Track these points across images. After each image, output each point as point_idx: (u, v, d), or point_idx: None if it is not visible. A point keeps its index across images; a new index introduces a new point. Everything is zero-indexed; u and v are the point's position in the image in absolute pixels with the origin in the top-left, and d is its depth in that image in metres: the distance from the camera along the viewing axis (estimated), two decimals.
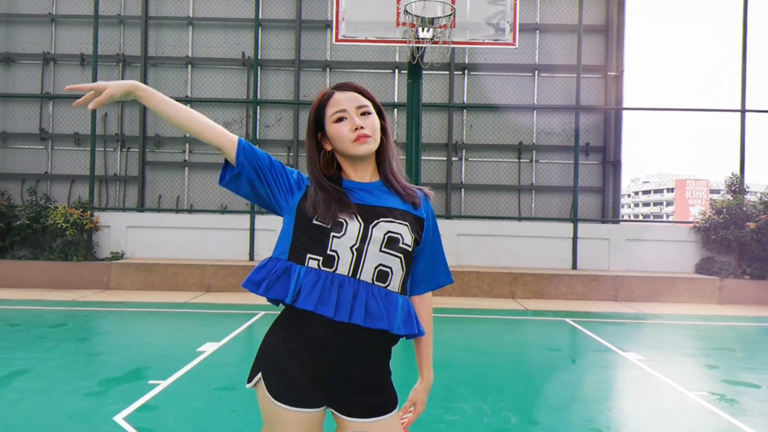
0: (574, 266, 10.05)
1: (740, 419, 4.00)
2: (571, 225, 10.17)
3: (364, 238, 1.58)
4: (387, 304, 1.58)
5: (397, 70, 11.17)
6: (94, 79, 10.42)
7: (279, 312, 1.70)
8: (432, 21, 6.47)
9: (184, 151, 11.38)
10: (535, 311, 8.20)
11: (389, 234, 1.61)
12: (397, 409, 1.69)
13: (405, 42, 6.72)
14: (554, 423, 3.80)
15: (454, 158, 11.21)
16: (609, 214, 11.09)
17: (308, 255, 1.58)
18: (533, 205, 11.25)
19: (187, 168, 11.35)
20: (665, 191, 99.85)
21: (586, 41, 10.98)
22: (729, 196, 10.08)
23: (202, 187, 11.31)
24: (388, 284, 1.60)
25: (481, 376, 4.94)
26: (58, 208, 9.76)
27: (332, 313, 1.53)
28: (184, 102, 11.22)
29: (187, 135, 11.22)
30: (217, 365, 5.16)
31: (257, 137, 10.64)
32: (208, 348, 5.68)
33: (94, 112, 10.51)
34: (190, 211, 11.06)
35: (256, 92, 10.57)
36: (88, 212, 9.88)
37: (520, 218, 10.99)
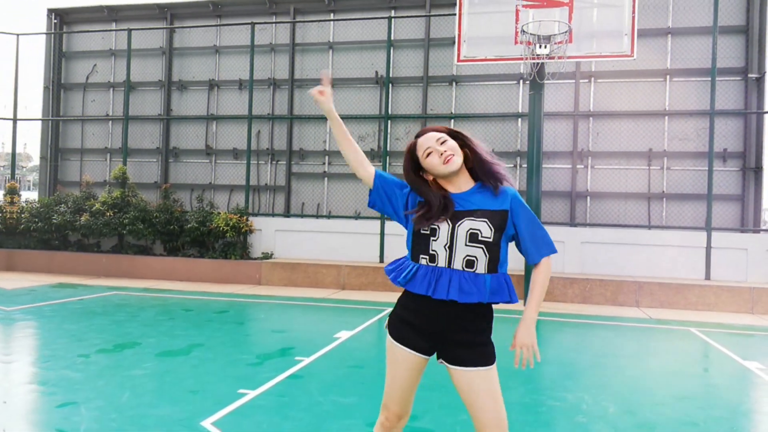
0: (707, 276, 9.68)
1: None
2: (704, 234, 9.82)
3: (452, 237, 2.18)
4: (476, 283, 2.15)
5: (521, 81, 11.48)
6: (251, 102, 11.95)
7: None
8: (548, 38, 6.83)
9: (324, 163, 12.57)
10: (659, 320, 8.13)
11: (470, 231, 2.17)
12: (489, 366, 2.21)
13: (523, 59, 7.14)
14: (651, 415, 4.07)
15: (579, 166, 11.26)
16: (749, 223, 10.49)
17: (420, 255, 2.24)
18: (664, 214, 10.95)
19: (326, 178, 12.53)
20: None
21: (724, 43, 10.53)
22: None
23: (340, 195, 12.42)
24: (476, 269, 2.17)
25: (589, 373, 5.25)
26: (220, 213, 11.34)
27: (433, 293, 2.17)
28: (325, 119, 12.43)
29: (327, 149, 12.42)
30: (351, 349, 5.95)
31: (387, 149, 11.50)
32: (343, 335, 6.51)
33: (250, 131, 12.03)
34: (329, 216, 12.19)
35: (388, 108, 11.46)
36: (244, 217, 11.35)
37: (650, 227, 10.77)
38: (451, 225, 2.19)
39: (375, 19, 11.94)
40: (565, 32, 6.80)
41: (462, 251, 2.17)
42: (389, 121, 11.61)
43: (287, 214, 12.46)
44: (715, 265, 9.72)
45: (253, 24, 12.10)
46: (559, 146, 11.27)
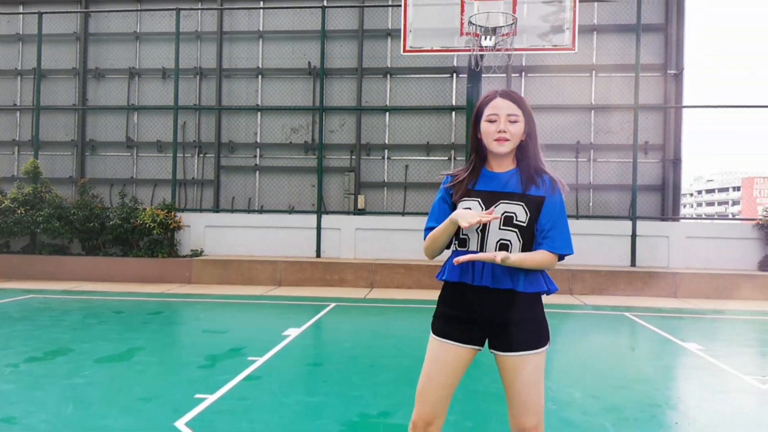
0: (633, 263, 10.22)
1: None
2: (629, 223, 10.34)
3: None
4: (510, 269, 2.03)
5: (455, 74, 11.60)
6: (176, 91, 11.33)
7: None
8: (494, 30, 6.90)
9: (255, 156, 12.16)
10: (595, 306, 8.48)
11: (506, 213, 2.04)
12: (539, 350, 2.11)
13: (469, 50, 7.17)
14: (615, 399, 4.18)
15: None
16: (669, 211, 11.17)
17: (454, 240, 2.16)
18: (591, 204, 11.45)
19: (258, 171, 12.12)
20: (731, 190, 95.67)
21: (645, 40, 11.09)
22: None
23: (272, 188, 12.06)
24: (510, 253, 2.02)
25: (546, 360, 5.33)
26: (146, 209, 10.69)
27: (470, 280, 2.07)
28: (255, 110, 12.03)
29: (258, 141, 12.01)
30: (304, 347, 5.76)
31: (323, 142, 11.28)
32: (292, 333, 6.28)
33: (176, 122, 11.42)
34: (261, 211, 11.82)
35: (322, 99, 11.23)
36: (172, 213, 10.76)
37: (578, 216, 11.21)
38: (484, 207, 2.07)
39: (307, 8, 11.66)
40: (512, 24, 6.89)
41: (495, 235, 2.06)
42: (323, 113, 11.38)
43: (217, 209, 11.97)
44: (640, 252, 10.26)
45: (178, 10, 11.48)
46: None
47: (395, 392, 4.26)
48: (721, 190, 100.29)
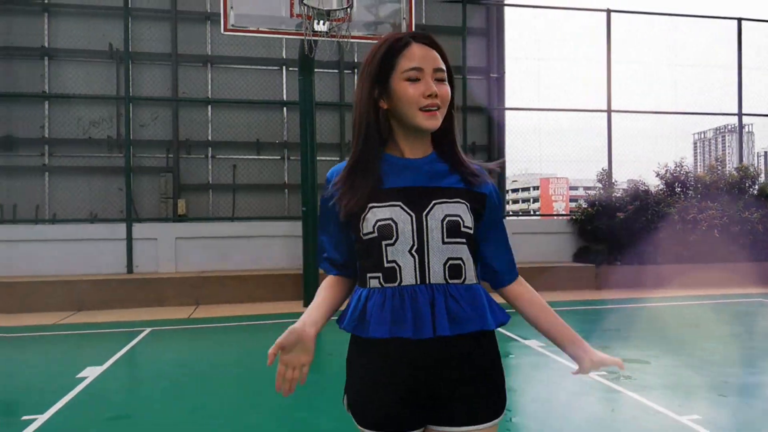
0: None
1: (641, 394, 4.21)
2: None
3: (420, 232, 1.35)
4: (471, 301, 1.38)
5: (284, 67, 10.76)
6: None
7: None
8: (328, 13, 6.25)
9: (44, 155, 10.13)
10: None
11: (449, 219, 1.36)
12: (496, 420, 1.44)
13: (301, 34, 6.42)
14: None
15: (347, 158, 11.02)
16: None
17: (368, 275, 1.38)
18: None
19: (47, 173, 10.11)
20: (531, 189, 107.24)
21: (468, 44, 11.28)
22: (601, 190, 10.87)
23: (67, 193, 10.13)
24: (464, 278, 1.38)
25: None
26: None
27: (411, 332, 1.33)
28: (42, 98, 10.03)
29: (47, 136, 10.03)
30: (104, 392, 4.55)
31: (131, 137, 9.72)
32: (91, 373, 5.00)
33: None
34: (54, 221, 9.88)
35: (129, 88, 9.66)
36: None
37: None
38: (414, 215, 1.36)
39: None
40: (347, 8, 6.28)
41: (440, 253, 1.36)
42: (131, 104, 9.81)
43: None
44: None
45: None
46: (327, 138, 10.84)
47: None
48: (524, 189, 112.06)
